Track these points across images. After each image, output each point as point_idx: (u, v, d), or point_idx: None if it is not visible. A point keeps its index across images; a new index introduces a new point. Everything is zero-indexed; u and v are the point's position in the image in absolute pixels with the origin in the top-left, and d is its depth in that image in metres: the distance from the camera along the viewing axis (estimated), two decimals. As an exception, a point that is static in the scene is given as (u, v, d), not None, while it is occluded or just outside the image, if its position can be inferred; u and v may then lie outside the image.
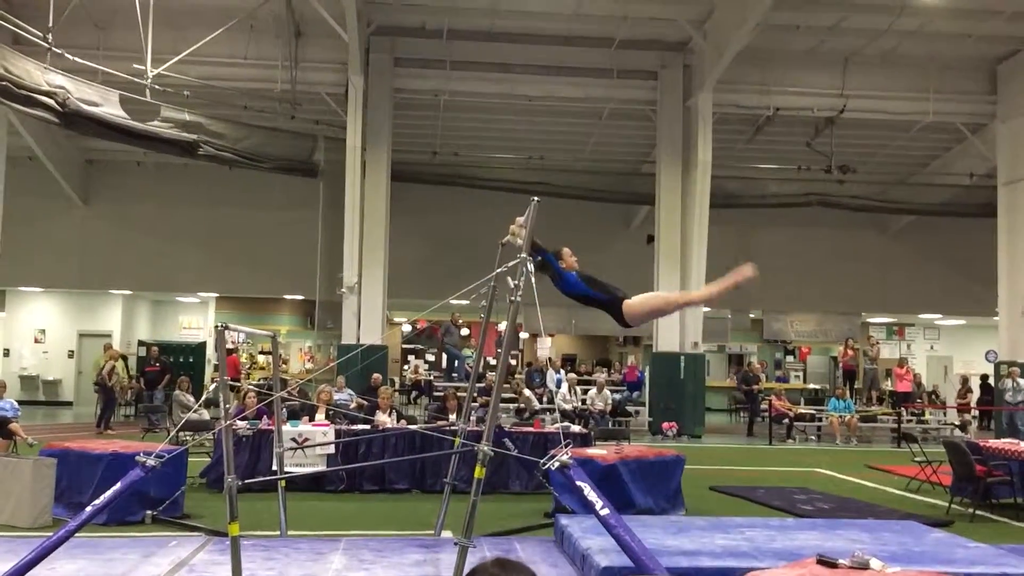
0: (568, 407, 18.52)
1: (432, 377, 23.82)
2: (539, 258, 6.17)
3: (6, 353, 24.91)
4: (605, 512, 5.12)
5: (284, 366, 26.63)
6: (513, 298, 5.80)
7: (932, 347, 30.27)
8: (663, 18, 18.64)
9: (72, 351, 25.13)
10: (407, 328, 30.40)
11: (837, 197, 21.70)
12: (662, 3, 17.97)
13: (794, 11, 17.30)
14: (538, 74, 19.41)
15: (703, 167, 19.18)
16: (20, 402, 14.69)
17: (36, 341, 25.17)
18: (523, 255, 5.81)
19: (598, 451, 9.91)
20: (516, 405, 17.67)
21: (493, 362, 26.78)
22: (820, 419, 20.41)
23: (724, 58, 17.88)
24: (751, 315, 27.05)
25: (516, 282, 5.81)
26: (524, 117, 20.77)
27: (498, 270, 6.06)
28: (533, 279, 5.85)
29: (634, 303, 6.18)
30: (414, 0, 17.90)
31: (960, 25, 18.34)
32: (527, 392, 18.08)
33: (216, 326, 5.72)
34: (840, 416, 19.42)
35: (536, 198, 5.96)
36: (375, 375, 16.60)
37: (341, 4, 16.24)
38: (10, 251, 18.41)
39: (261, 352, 27.81)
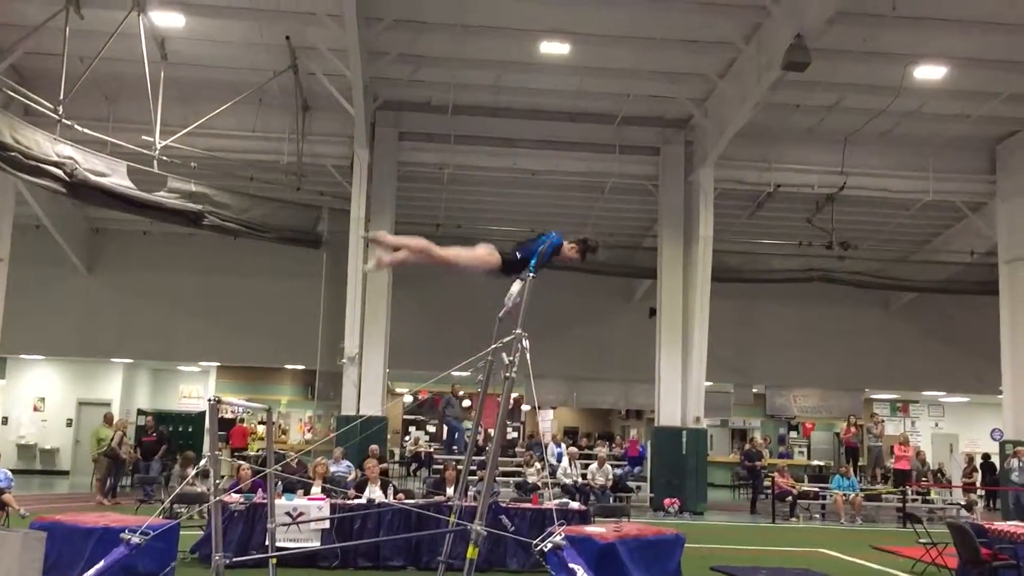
0: (568, 481, 18.32)
1: (432, 449, 23.60)
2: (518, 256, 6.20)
3: (4, 421, 24.76)
4: (599, 596, 5.01)
5: (283, 437, 26.48)
6: (507, 374, 5.76)
7: (937, 424, 30.00)
8: (665, 96, 18.96)
9: (71, 419, 24.97)
10: (408, 399, 30.25)
11: (838, 273, 21.75)
12: (664, 81, 18.27)
13: (794, 91, 17.56)
14: (541, 149, 19.66)
15: (704, 241, 19.29)
16: (16, 471, 14.60)
17: (35, 409, 25.04)
18: (518, 331, 5.79)
19: (597, 529, 9.76)
20: (517, 479, 17.46)
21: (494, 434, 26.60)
22: (824, 497, 20.13)
23: (725, 135, 18.10)
24: (754, 390, 26.89)
25: (511, 358, 5.78)
26: (527, 191, 20.97)
27: (493, 345, 6.04)
28: (528, 356, 5.82)
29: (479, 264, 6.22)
30: (420, 77, 18.23)
31: (959, 106, 18.61)
32: (537, 465, 17.84)
33: (209, 399, 5.68)
34: (844, 495, 19.15)
35: (532, 274, 5.96)
36: (372, 447, 16.45)
37: (348, 80, 16.55)
38: (13, 319, 18.44)
39: (260, 423, 27.61)
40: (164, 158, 16.72)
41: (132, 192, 16.01)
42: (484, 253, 6.27)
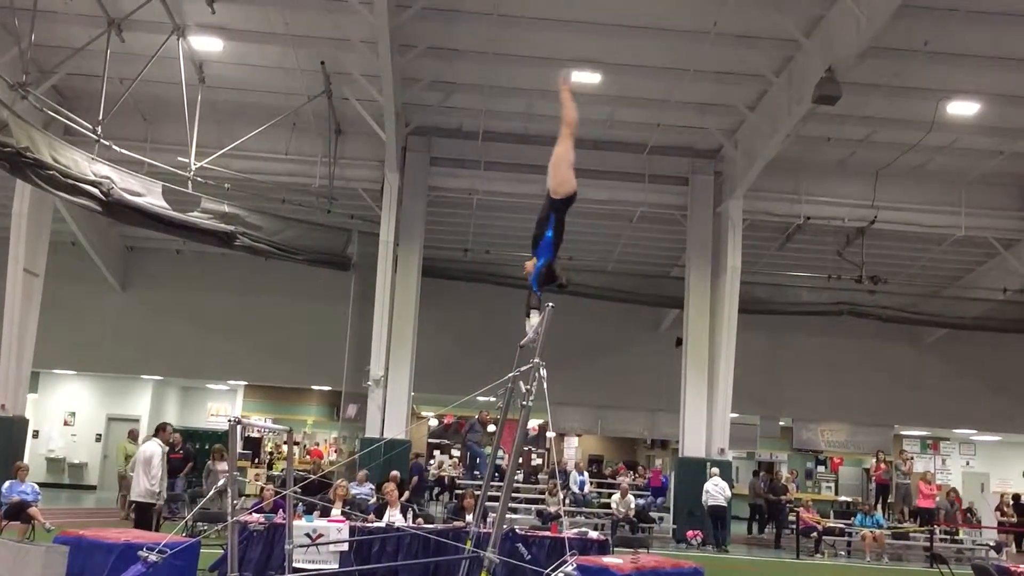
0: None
1: (457, 474, 23.58)
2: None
3: (35, 435, 25.05)
4: (609, 628, 5.00)
5: (309, 457, 26.56)
6: (525, 403, 5.79)
7: (968, 463, 29.49)
8: (695, 126, 18.99)
9: (100, 435, 25.28)
10: (433, 423, 30.27)
11: (868, 307, 21.57)
12: (694, 112, 18.31)
13: (824, 124, 17.54)
14: (571, 176, 19.67)
15: (732, 272, 19.23)
16: (44, 485, 14.80)
17: (65, 424, 25.37)
18: (536, 360, 5.83)
19: (614, 560, 9.70)
20: (539, 507, 17.42)
21: (520, 460, 26.53)
22: (850, 534, 19.85)
23: (755, 167, 18.07)
24: (780, 423, 26.64)
25: (528, 387, 5.81)
26: (556, 218, 20.96)
27: (511, 374, 6.07)
28: (545, 384, 5.84)
29: (551, 175, 6.60)
30: (452, 103, 18.41)
31: (991, 142, 18.48)
32: (561, 494, 17.77)
33: (229, 420, 5.76)
34: (871, 532, 18.88)
35: (551, 304, 6.00)
36: (393, 473, 16.46)
37: (381, 105, 16.75)
38: (46, 333, 18.77)
39: (285, 443, 27.75)
40: (199, 179, 17.00)
41: (166, 212, 16.27)
42: (565, 171, 6.71)
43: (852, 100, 15.60)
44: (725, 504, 18.63)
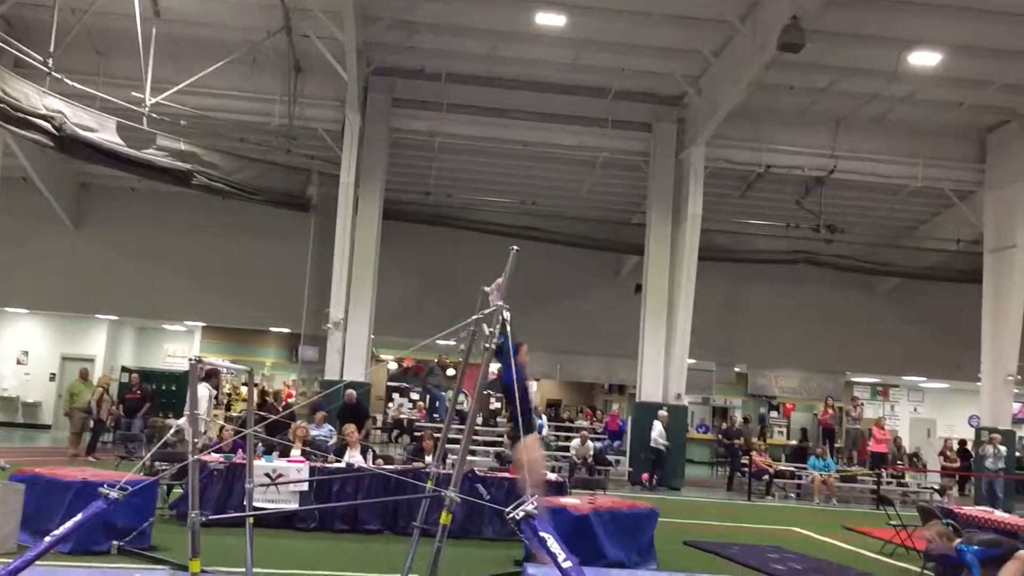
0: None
1: (415, 417, 23.73)
2: (500, 339, 6.15)
3: (-12, 373, 24.78)
4: (567, 565, 5.09)
5: (269, 398, 26.50)
6: (487, 346, 5.82)
7: (916, 409, 30.30)
8: (659, 72, 18.92)
9: (54, 374, 24.98)
10: (393, 366, 30.34)
11: (824, 256, 21.89)
12: (658, 57, 18.24)
13: (788, 71, 17.55)
14: (533, 120, 19.63)
15: (693, 220, 19.34)
16: (-3, 423, 14.59)
17: (18, 362, 25.04)
18: (500, 303, 5.84)
19: (572, 500, 9.88)
20: (499, 449, 17.60)
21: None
22: (800, 477, 20.36)
23: (717, 114, 18.11)
24: (736, 369, 27.08)
25: (491, 329, 5.84)
26: (518, 162, 20.94)
27: (474, 316, 6.08)
28: (509, 327, 5.87)
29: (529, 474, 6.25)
30: (415, 43, 18.12)
31: (951, 93, 18.65)
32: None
33: (190, 359, 5.71)
34: (821, 475, 19.38)
35: (515, 247, 5.99)
36: (349, 391, 16.49)
37: (342, 43, 16.44)
38: (-2, 271, 18.40)
39: (244, 384, 27.66)
40: (154, 115, 16.61)
41: (120, 148, 15.92)
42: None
43: (815, 48, 15.66)
44: (662, 448, 19.04)
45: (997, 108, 19.32)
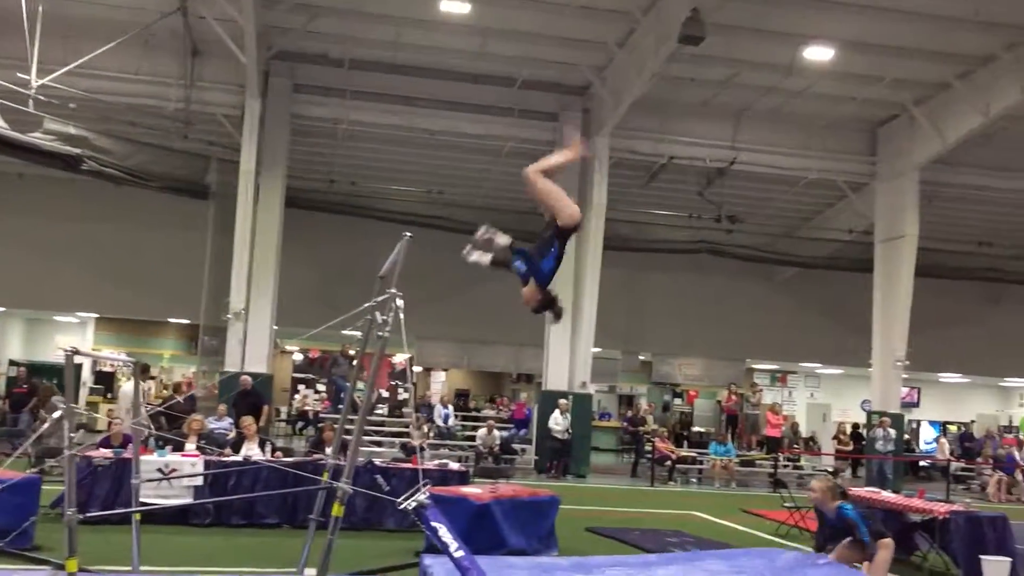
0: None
1: (320, 408, 23.40)
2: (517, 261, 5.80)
3: None
4: (459, 554, 5.06)
5: (166, 391, 25.76)
6: (381, 334, 5.74)
7: (812, 395, 31.24)
8: (565, 62, 19.00)
9: (-65, 367, 23.77)
10: (299, 357, 29.86)
11: (725, 246, 22.34)
12: (564, 48, 18.30)
13: (689, 64, 17.81)
14: (440, 109, 19.48)
15: (598, 210, 19.51)
16: None
17: None
18: (392, 290, 5.76)
19: (473, 490, 9.86)
20: (404, 439, 17.51)
21: (387, 395, 26.53)
22: (702, 462, 20.79)
23: (622, 105, 18.29)
24: (641, 357, 27.47)
25: (384, 317, 5.75)
26: (424, 151, 20.77)
27: (367, 304, 5.99)
28: (402, 315, 5.79)
29: (557, 208, 5.69)
30: (317, 27, 17.77)
31: (844, 88, 19.22)
32: (425, 428, 17.97)
33: (65, 350, 5.45)
34: (720, 460, 19.82)
35: (408, 234, 5.92)
36: (244, 377, 16.16)
37: (240, 26, 16.00)
38: None
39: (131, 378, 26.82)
40: (41, 97, 15.89)
41: (4, 132, 15.20)
42: (569, 200, 5.62)
43: (716, 41, 15.93)
44: (563, 436, 19.20)
45: (887, 103, 20.00)
